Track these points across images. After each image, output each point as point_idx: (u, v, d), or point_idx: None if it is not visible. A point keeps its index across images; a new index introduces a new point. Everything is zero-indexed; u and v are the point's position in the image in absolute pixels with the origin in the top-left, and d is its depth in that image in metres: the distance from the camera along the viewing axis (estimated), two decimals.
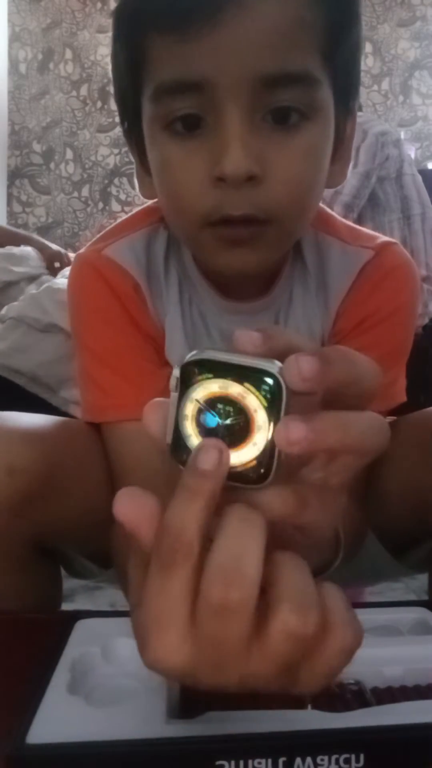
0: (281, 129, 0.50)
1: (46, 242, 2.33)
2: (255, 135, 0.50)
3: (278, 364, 0.29)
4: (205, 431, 0.30)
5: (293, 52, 0.49)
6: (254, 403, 0.29)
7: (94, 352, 0.68)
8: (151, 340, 0.67)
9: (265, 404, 0.29)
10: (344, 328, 0.67)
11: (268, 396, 0.29)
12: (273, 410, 0.29)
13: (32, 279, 2.23)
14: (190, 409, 0.30)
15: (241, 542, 0.29)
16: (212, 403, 0.30)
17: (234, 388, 0.29)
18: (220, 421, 0.30)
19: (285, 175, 0.51)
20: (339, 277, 0.66)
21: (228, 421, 0.30)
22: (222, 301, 0.66)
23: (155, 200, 0.65)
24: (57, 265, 2.28)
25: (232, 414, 0.29)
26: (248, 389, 0.29)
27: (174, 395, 0.30)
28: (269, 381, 0.29)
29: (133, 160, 0.64)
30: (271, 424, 0.29)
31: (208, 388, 0.30)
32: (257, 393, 0.29)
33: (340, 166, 0.58)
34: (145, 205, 0.71)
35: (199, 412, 0.30)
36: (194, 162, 0.51)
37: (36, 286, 2.15)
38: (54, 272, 2.25)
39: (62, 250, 2.33)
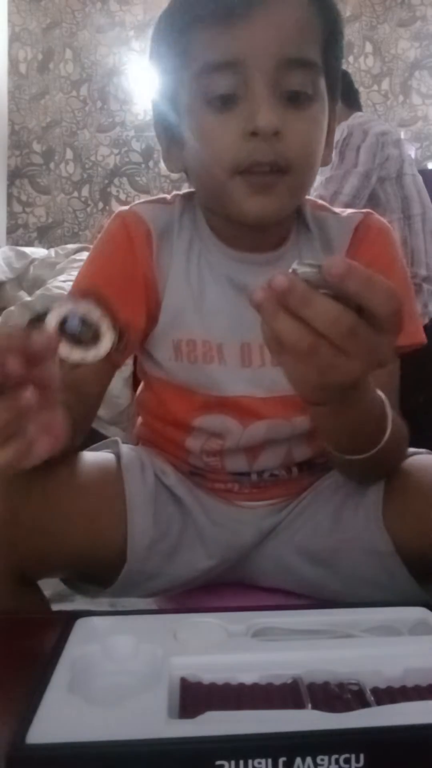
0: (293, 106, 0.65)
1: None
2: (278, 104, 0.64)
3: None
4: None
5: (305, 43, 0.65)
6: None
7: (82, 278, 0.78)
8: (142, 285, 0.75)
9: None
10: None
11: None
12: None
13: (20, 281, 2.22)
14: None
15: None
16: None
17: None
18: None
19: (300, 135, 0.65)
20: (338, 236, 0.78)
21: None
22: (232, 251, 0.75)
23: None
24: None
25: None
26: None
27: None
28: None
29: (159, 144, 0.76)
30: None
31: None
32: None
33: (328, 149, 0.72)
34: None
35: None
36: (229, 123, 0.65)
37: (27, 291, 2.15)
38: None
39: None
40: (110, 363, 0.75)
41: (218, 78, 0.64)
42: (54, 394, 0.46)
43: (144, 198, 0.81)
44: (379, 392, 0.62)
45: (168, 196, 0.80)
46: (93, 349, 0.47)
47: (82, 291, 0.48)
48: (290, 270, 0.45)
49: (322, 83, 0.67)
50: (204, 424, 0.76)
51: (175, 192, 0.81)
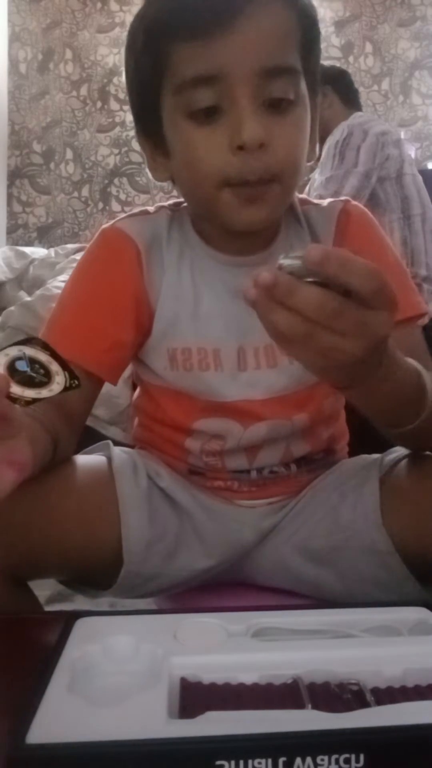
0: (276, 113, 0.65)
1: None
2: (261, 114, 0.64)
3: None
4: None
5: (284, 51, 0.65)
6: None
7: (67, 296, 0.78)
8: (131, 302, 0.75)
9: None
10: None
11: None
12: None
13: (20, 281, 2.22)
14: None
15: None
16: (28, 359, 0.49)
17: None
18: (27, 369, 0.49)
19: (284, 143, 0.65)
20: (324, 226, 0.79)
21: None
22: (223, 256, 0.76)
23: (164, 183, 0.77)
24: None
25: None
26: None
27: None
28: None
29: (143, 154, 0.75)
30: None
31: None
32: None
33: (312, 146, 0.72)
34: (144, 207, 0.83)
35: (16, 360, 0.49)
36: (215, 138, 0.64)
37: (27, 291, 2.15)
38: None
39: None
40: (93, 385, 0.75)
41: (200, 92, 0.64)
42: (13, 424, 0.48)
43: (144, 198, 0.82)
44: (411, 360, 0.63)
45: (151, 208, 0.81)
46: (46, 388, 0.49)
47: (26, 339, 0.50)
48: (277, 265, 0.48)
49: (303, 85, 0.67)
50: (204, 426, 0.76)
51: (158, 204, 0.81)
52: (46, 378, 0.49)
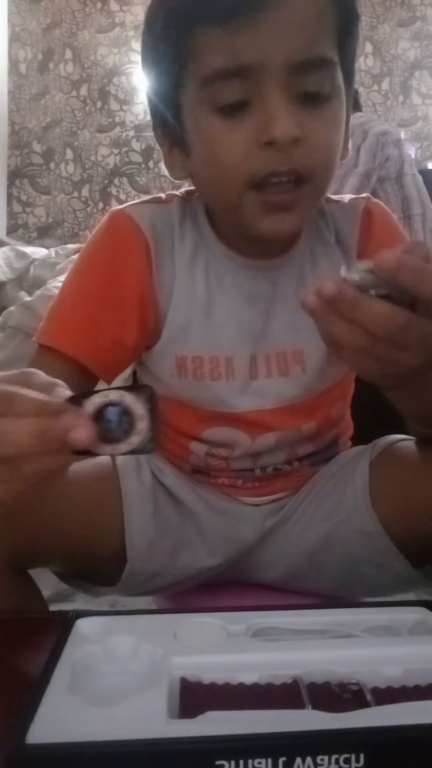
0: (311, 106, 0.60)
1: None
2: (294, 109, 0.59)
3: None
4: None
5: (319, 41, 0.59)
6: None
7: (70, 286, 0.73)
8: (135, 303, 0.71)
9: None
10: None
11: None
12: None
13: (20, 281, 2.23)
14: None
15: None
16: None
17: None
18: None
19: (320, 139, 0.60)
20: (348, 224, 0.75)
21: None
22: (241, 258, 0.71)
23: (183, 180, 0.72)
24: None
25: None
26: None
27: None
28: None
29: (160, 149, 0.70)
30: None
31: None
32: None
33: (345, 141, 0.67)
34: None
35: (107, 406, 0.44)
36: (241, 133, 0.59)
37: (27, 291, 2.15)
38: None
39: None
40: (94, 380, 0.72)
41: (228, 84, 0.59)
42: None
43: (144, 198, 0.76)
44: None
45: (163, 195, 0.75)
46: (112, 445, 0.44)
47: (138, 385, 0.45)
48: (341, 274, 0.46)
49: (339, 77, 0.62)
50: (211, 436, 0.75)
51: (170, 191, 0.76)
52: (125, 434, 0.44)
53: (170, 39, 0.61)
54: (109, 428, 0.43)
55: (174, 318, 0.71)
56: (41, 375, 0.46)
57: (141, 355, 0.75)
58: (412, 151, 2.53)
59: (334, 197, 0.79)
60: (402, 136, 2.63)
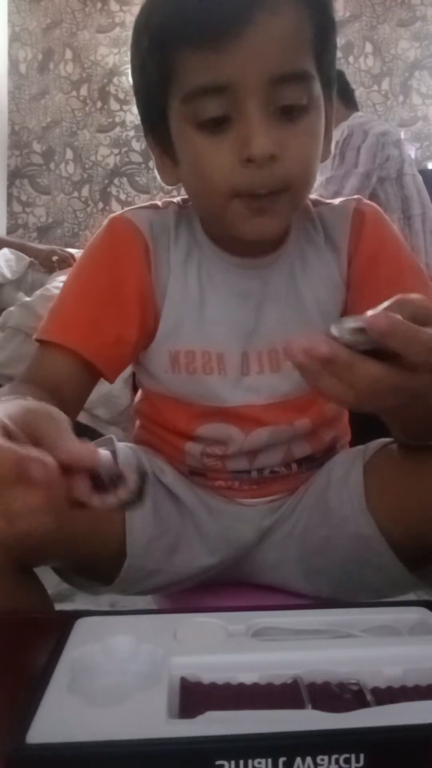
0: (288, 120, 0.62)
1: (33, 245, 2.37)
2: (272, 125, 0.61)
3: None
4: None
5: (296, 56, 0.62)
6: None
7: (72, 286, 0.76)
8: (135, 300, 0.73)
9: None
10: (361, 267, 0.76)
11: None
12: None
13: (19, 283, 2.23)
14: None
15: None
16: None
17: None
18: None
19: (296, 154, 0.63)
20: (338, 225, 0.77)
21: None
22: (232, 258, 0.74)
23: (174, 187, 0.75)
24: (55, 258, 2.29)
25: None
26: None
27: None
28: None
29: (152, 154, 0.73)
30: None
31: None
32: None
33: (326, 144, 0.70)
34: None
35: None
36: (224, 149, 0.62)
37: (26, 293, 2.16)
38: (52, 268, 2.26)
39: (54, 247, 2.35)
40: (93, 380, 0.74)
41: (208, 102, 0.61)
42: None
43: (144, 198, 0.81)
44: None
45: (159, 203, 0.79)
46: (101, 496, 0.45)
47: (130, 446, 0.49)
48: (331, 332, 0.45)
49: (317, 88, 0.64)
50: (205, 433, 0.76)
51: (166, 199, 0.79)
52: (114, 485, 0.46)
53: (154, 56, 0.64)
54: (99, 479, 0.45)
55: (168, 315, 0.74)
56: (54, 419, 0.48)
57: (140, 354, 0.77)
58: (412, 151, 2.53)
59: (326, 200, 0.81)
60: (402, 136, 2.63)
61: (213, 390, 0.74)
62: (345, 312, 0.76)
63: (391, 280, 0.74)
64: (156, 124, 0.69)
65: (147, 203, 0.79)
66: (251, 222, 0.65)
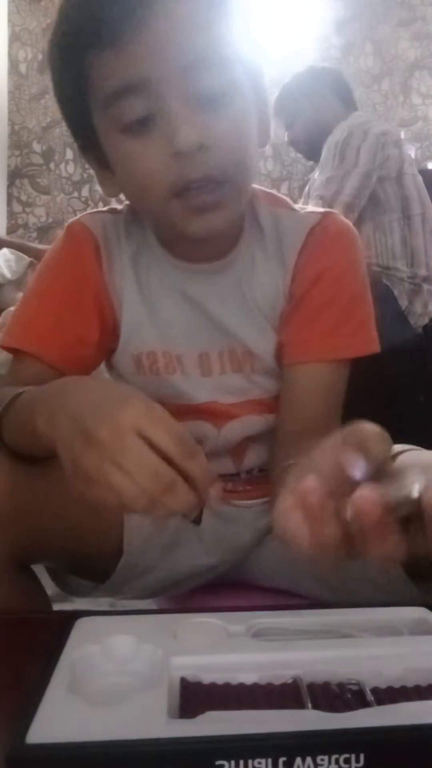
0: (212, 109, 0.60)
1: (33, 245, 2.37)
2: (195, 114, 0.60)
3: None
4: None
5: (204, 41, 0.59)
6: None
7: (32, 290, 0.77)
8: (92, 300, 0.74)
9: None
10: (303, 284, 0.74)
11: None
12: None
13: (19, 283, 2.24)
14: None
15: None
16: None
17: None
18: None
19: (226, 142, 0.61)
20: (291, 238, 0.74)
21: None
22: (183, 264, 0.74)
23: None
24: None
25: None
26: None
27: None
28: None
29: (93, 171, 0.72)
30: None
31: None
32: None
33: (265, 129, 0.69)
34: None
35: None
36: (153, 149, 0.61)
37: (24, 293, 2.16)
38: None
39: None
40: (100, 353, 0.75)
41: (127, 102, 0.60)
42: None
43: None
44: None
45: (119, 206, 0.78)
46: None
47: None
48: (390, 494, 0.40)
49: (240, 71, 0.62)
50: None
51: (126, 202, 0.78)
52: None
53: (67, 68, 0.63)
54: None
55: (127, 318, 0.74)
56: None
57: (110, 359, 0.78)
58: (412, 151, 2.53)
59: (294, 206, 0.78)
60: (402, 136, 2.63)
61: (179, 389, 0.75)
62: (282, 323, 0.75)
63: (327, 301, 0.73)
64: (86, 139, 0.68)
65: (107, 207, 0.79)
66: (195, 220, 0.64)
